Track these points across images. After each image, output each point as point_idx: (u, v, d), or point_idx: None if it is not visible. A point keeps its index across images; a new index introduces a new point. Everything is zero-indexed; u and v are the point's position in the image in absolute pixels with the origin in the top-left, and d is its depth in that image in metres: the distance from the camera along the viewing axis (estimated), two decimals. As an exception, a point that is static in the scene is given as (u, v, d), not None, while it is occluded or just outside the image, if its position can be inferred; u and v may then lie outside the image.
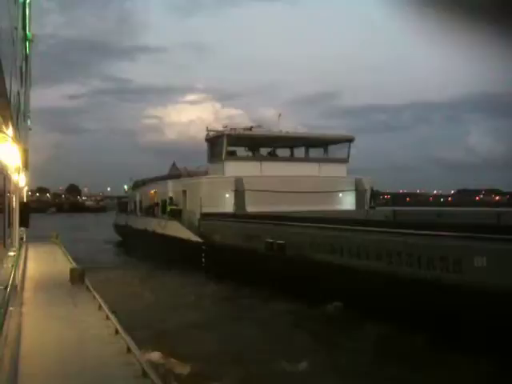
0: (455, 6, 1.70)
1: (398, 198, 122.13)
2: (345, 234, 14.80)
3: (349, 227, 14.87)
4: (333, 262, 14.67)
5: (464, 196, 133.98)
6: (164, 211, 30.44)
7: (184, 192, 28.85)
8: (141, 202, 37.75)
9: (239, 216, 23.06)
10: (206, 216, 24.99)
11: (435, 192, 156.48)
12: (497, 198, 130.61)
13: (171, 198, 30.85)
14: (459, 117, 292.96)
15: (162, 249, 27.71)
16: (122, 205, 45.62)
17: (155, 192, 34.06)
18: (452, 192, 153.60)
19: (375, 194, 35.46)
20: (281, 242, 17.44)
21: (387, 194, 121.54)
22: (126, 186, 45.70)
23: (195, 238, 24.58)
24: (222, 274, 20.00)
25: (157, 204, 32.64)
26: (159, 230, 29.52)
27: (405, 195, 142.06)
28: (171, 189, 31.43)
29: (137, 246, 33.92)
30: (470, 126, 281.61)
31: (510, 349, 9.24)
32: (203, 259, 23.31)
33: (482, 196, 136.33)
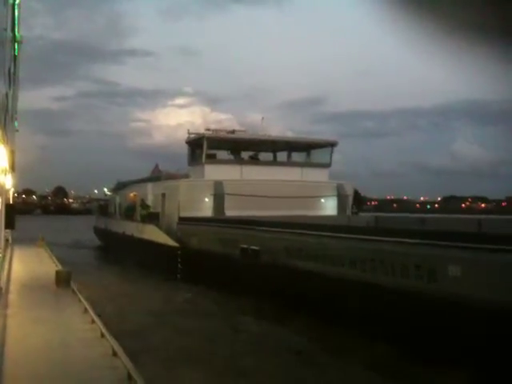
0: (441, 13, 1.67)
1: (384, 204, 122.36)
2: (318, 240, 14.31)
3: (323, 233, 14.38)
4: (306, 268, 14.18)
5: (451, 203, 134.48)
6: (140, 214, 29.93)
7: (163, 195, 28.28)
8: (120, 204, 37.05)
9: (216, 220, 22.52)
10: (183, 220, 24.44)
11: (422, 199, 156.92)
12: (483, 205, 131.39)
13: (143, 201, 30.30)
14: (446, 124, 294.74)
15: (139, 253, 27.11)
16: (103, 208, 44.87)
17: (135, 195, 33.40)
18: (439, 199, 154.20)
19: (361, 200, 35.16)
20: (255, 247, 16.93)
21: (374, 199, 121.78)
22: (106, 189, 44.98)
23: (172, 243, 24.00)
24: (196, 280, 19.49)
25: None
26: (137, 234, 28.93)
27: (392, 201, 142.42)
28: (150, 191, 30.83)
29: (116, 249, 33.27)
30: (457, 133, 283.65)
31: (482, 360, 8.83)
32: (179, 264, 22.73)
33: (468, 203, 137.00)
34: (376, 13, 1.72)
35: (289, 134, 38.98)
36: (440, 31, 1.66)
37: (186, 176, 28.35)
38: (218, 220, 22.47)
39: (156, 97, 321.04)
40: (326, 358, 10.87)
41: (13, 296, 13.34)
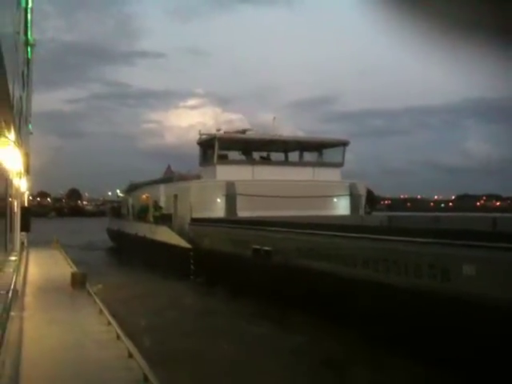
0: (435, 11, 1.65)
1: (398, 204, 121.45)
2: (330, 240, 14.19)
3: (335, 233, 14.26)
4: (318, 268, 14.07)
5: (465, 201, 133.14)
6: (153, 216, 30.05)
7: (175, 196, 28.34)
8: (133, 206, 37.20)
9: (227, 221, 22.48)
10: (195, 221, 24.45)
11: (436, 197, 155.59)
12: (497, 203, 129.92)
13: (155, 202, 30.40)
14: (457, 122, 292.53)
15: (152, 254, 27.19)
16: (116, 209, 45.10)
17: (147, 196, 33.52)
18: (453, 197, 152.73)
19: (375, 199, 34.87)
20: (267, 248, 16.85)
21: (388, 199, 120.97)
22: (118, 191, 45.18)
23: (184, 244, 24.02)
24: (209, 281, 19.48)
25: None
26: (149, 236, 29.02)
27: (405, 200, 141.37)
28: (163, 193, 30.94)
29: (129, 251, 33.40)
30: (469, 131, 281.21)
31: (495, 362, 8.66)
32: (192, 265, 22.73)
33: (482, 201, 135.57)
34: (370, 12, 1.70)
35: (299, 134, 38.99)
36: (435, 30, 1.63)
37: (198, 177, 28.36)
38: (230, 221, 22.43)
39: (167, 98, 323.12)
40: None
41: (29, 298, 13.45)
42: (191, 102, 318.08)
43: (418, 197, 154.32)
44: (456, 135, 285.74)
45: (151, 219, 30.44)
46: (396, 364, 10.00)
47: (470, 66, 1.64)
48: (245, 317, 14.46)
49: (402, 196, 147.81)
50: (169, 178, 31.86)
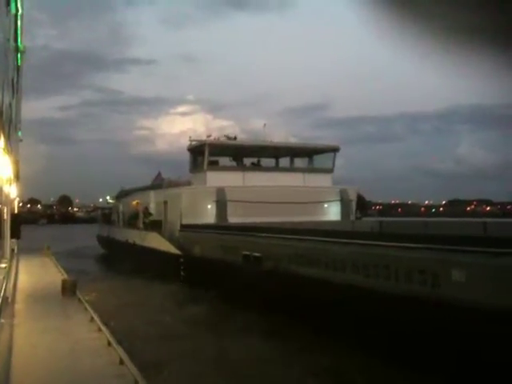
0: (430, 14, 1.63)
1: (389, 209, 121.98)
2: (320, 246, 14.12)
3: (324, 238, 14.20)
4: (307, 274, 13.99)
5: (455, 206, 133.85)
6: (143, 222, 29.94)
7: (165, 202, 28.19)
8: (123, 212, 37.00)
9: (217, 227, 22.38)
10: (185, 227, 24.32)
11: (426, 202, 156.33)
12: (488, 208, 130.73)
13: (146, 209, 30.28)
14: (449, 128, 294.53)
15: (142, 261, 27.02)
16: (106, 216, 44.84)
17: (137, 203, 33.34)
18: (443, 202, 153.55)
19: (365, 205, 34.95)
20: (257, 254, 16.76)
21: (379, 204, 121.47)
22: (108, 197, 44.97)
23: (174, 250, 23.87)
24: (198, 288, 19.31)
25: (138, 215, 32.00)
26: (139, 242, 28.85)
27: (397, 206, 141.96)
28: (153, 199, 30.84)
29: (119, 257, 33.18)
30: (461, 137, 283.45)
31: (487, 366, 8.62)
32: (182, 272, 22.59)
33: (473, 206, 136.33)
34: (364, 18, 1.70)
35: (292, 140, 38.96)
36: (429, 35, 1.62)
37: (189, 183, 28.25)
38: (220, 227, 22.34)
39: (159, 105, 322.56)
40: None
41: (19, 306, 13.38)
42: (182, 108, 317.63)
43: (409, 202, 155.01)
44: (448, 141, 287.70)
45: (141, 226, 30.28)
46: (386, 371, 9.92)
47: (464, 70, 1.63)
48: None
49: (393, 201, 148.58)
50: (159, 184, 31.73)
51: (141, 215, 30.98)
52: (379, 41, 1.69)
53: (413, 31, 1.61)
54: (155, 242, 26.38)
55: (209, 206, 25.68)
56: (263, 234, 17.13)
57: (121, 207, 38.25)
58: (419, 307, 10.54)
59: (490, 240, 11.33)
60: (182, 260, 22.83)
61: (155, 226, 28.16)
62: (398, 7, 1.62)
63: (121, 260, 31.72)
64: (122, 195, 39.09)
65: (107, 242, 39.06)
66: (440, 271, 10.43)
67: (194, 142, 28.66)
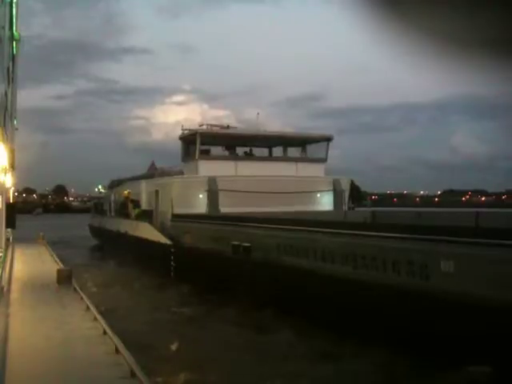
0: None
1: (384, 199, 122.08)
2: (308, 236, 13.93)
3: (313, 229, 14.01)
4: (296, 265, 13.82)
5: (450, 197, 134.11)
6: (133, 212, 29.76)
7: (156, 192, 27.93)
8: (115, 202, 36.74)
9: (208, 217, 22.17)
10: (176, 217, 24.10)
11: (422, 193, 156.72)
12: (483, 198, 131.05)
13: (132, 200, 30.21)
14: (444, 118, 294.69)
15: (134, 251, 26.86)
16: (98, 206, 44.57)
17: (129, 192, 33.07)
18: (438, 193, 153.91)
19: (359, 195, 34.78)
20: (247, 244, 16.57)
21: (375, 194, 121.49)
22: (100, 187, 44.68)
23: (165, 240, 23.67)
24: (188, 278, 19.17)
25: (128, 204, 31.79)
26: (131, 232, 28.65)
27: (392, 196, 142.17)
28: (144, 189, 30.55)
29: (111, 247, 33.02)
30: (455, 128, 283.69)
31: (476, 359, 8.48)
32: (172, 262, 22.40)
33: (468, 197, 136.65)
34: (358, 9, 1.69)
35: (288, 130, 38.62)
36: (424, 28, 1.61)
37: (181, 173, 27.94)
38: (210, 217, 22.13)
39: (154, 94, 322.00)
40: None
41: (14, 295, 13.39)
42: (178, 98, 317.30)
43: (405, 192, 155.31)
44: (443, 132, 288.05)
45: (133, 215, 30.06)
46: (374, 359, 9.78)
47: (459, 62, 1.62)
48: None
49: (388, 192, 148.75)
50: (150, 173, 31.45)
51: (130, 205, 30.75)
52: (373, 33, 1.67)
53: (407, 25, 1.61)
54: (146, 232, 26.17)
55: (200, 196, 25.40)
56: (252, 224, 16.94)
57: (112, 197, 37.97)
58: (408, 299, 10.40)
59: (481, 231, 11.18)
60: (172, 250, 22.63)
61: (146, 215, 27.94)
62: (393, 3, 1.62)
63: (112, 250, 31.58)
64: (113, 185, 38.80)
65: (99, 232, 38.84)
66: (428, 262, 10.27)
67: (185, 131, 28.34)
